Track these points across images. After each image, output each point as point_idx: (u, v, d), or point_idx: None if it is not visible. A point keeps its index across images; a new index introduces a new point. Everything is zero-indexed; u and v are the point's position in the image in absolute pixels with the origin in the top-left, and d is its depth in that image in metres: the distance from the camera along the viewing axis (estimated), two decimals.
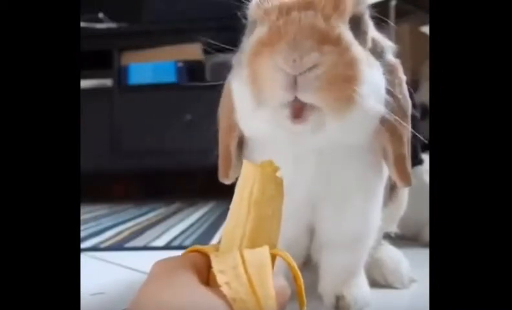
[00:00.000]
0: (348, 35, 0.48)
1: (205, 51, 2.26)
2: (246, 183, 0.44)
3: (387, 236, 0.80)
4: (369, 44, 0.53)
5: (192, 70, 2.31)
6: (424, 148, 0.99)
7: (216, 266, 0.40)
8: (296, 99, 0.46)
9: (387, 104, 0.52)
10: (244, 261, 0.40)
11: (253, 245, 0.42)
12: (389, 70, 0.54)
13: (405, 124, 0.54)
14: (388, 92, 0.52)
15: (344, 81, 0.46)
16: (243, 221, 0.43)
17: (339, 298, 0.64)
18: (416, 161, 0.97)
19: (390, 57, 0.57)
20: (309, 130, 0.48)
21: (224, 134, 0.60)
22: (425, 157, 1.02)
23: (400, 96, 0.54)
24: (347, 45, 0.46)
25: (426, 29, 2.29)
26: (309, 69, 0.45)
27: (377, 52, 0.54)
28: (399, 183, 0.56)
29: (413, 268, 0.78)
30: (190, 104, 2.21)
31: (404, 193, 0.78)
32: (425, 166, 1.00)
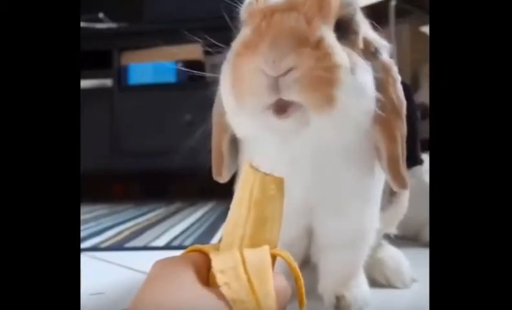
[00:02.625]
0: (330, 38, 0.47)
1: (205, 52, 2.26)
2: (246, 182, 0.44)
3: (387, 237, 0.80)
4: (360, 45, 0.52)
5: (192, 70, 2.30)
6: (424, 148, 0.99)
7: (216, 266, 0.40)
8: (279, 100, 0.47)
9: (380, 103, 0.51)
10: (244, 261, 0.40)
11: (253, 245, 0.42)
12: (383, 70, 0.54)
13: (398, 124, 0.54)
14: (382, 91, 0.52)
15: (322, 83, 0.46)
16: (243, 221, 0.43)
17: (339, 298, 0.64)
18: (416, 161, 0.97)
19: (385, 56, 0.56)
20: (293, 126, 0.48)
21: (216, 133, 0.60)
22: (425, 157, 1.02)
23: (393, 96, 0.54)
24: (327, 50, 0.46)
25: (426, 29, 2.29)
26: (288, 71, 0.45)
27: (370, 52, 0.54)
28: (393, 185, 0.55)
29: (413, 268, 0.78)
30: (190, 104, 2.21)
31: (405, 197, 0.78)
32: (425, 166, 1.00)
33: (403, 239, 0.92)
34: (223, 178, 0.62)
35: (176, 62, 2.34)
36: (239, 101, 0.50)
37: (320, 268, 0.67)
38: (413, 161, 0.88)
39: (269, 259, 0.40)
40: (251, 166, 0.44)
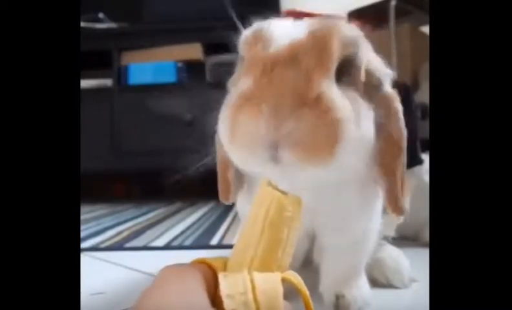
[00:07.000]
0: (330, 92, 0.46)
1: (205, 52, 2.26)
2: (263, 201, 0.42)
3: (386, 238, 0.80)
4: (362, 78, 0.51)
5: (193, 70, 2.31)
6: (424, 148, 0.99)
7: (224, 289, 0.38)
8: (276, 152, 0.46)
9: (380, 139, 0.51)
10: (254, 288, 0.38)
11: (263, 266, 0.41)
12: (384, 103, 0.53)
13: (397, 157, 0.53)
14: (383, 125, 0.51)
15: (321, 143, 0.45)
16: (255, 241, 0.41)
17: (339, 297, 0.65)
18: (416, 161, 0.97)
19: (387, 88, 0.55)
20: (289, 172, 0.47)
21: (221, 164, 0.60)
22: (425, 157, 1.02)
23: (394, 130, 0.53)
24: (327, 106, 0.45)
25: (426, 29, 2.29)
26: (288, 134, 0.44)
27: (372, 85, 0.52)
28: (391, 214, 0.56)
29: (413, 268, 0.78)
30: (190, 104, 2.21)
31: (405, 200, 0.78)
32: (425, 166, 1.00)
33: (403, 239, 0.92)
34: (229, 202, 0.62)
35: (176, 62, 2.34)
36: (235, 150, 0.49)
37: (322, 268, 0.68)
38: (413, 161, 0.89)
39: (280, 289, 0.39)
40: (269, 184, 0.43)
